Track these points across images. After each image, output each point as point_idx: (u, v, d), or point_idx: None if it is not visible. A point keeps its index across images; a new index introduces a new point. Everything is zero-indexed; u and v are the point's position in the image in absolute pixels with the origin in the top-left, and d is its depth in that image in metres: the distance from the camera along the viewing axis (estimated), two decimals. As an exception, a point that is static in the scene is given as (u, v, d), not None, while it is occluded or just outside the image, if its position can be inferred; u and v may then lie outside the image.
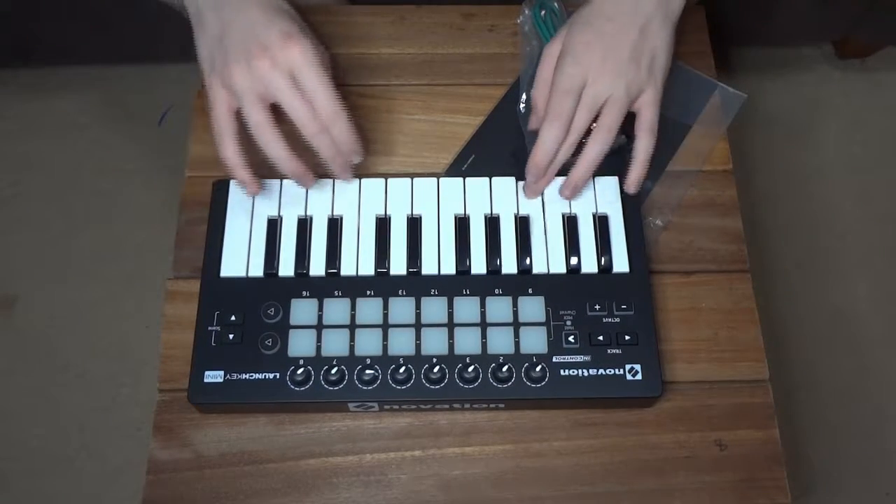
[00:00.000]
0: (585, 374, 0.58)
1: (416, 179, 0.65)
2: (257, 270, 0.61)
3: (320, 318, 0.59)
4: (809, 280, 1.18)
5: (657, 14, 0.62)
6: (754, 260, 0.66)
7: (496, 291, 0.60)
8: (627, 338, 0.59)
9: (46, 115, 1.26)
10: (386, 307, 0.60)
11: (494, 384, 0.58)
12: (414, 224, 0.63)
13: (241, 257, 0.62)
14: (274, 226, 0.63)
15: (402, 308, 0.60)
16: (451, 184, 0.65)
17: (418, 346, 0.58)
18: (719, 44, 0.75)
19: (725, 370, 0.61)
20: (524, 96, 0.69)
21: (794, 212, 1.22)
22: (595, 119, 0.62)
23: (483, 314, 0.60)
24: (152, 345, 0.62)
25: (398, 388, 0.57)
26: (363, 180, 0.65)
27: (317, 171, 0.62)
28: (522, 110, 0.69)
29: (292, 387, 0.57)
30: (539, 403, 0.59)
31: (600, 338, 0.59)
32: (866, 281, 1.18)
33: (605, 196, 0.64)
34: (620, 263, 0.62)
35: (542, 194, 0.64)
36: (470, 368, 0.58)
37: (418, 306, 0.60)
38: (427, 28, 0.74)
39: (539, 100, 0.65)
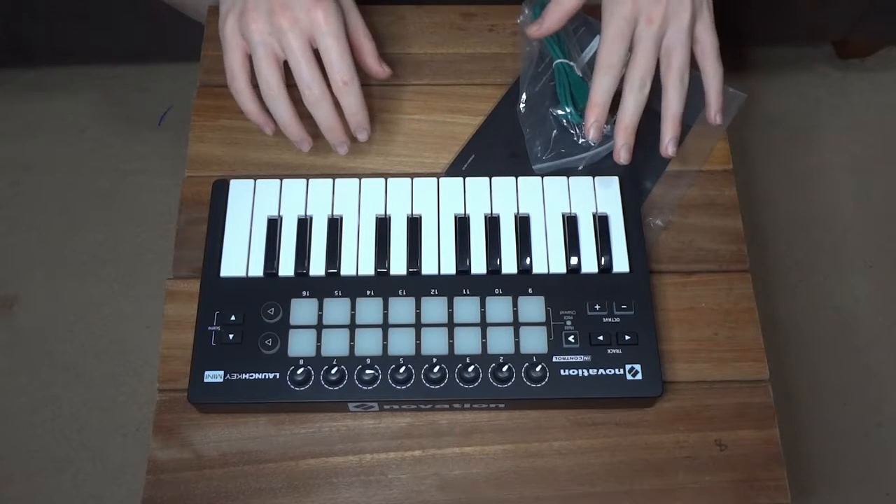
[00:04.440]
0: (585, 374, 0.58)
1: (416, 179, 0.65)
2: (257, 270, 0.61)
3: (320, 318, 0.59)
4: (809, 280, 1.18)
5: None
6: (754, 260, 0.66)
7: (496, 291, 0.60)
8: (627, 338, 0.59)
9: (46, 115, 1.26)
10: (386, 307, 0.60)
11: (494, 384, 0.57)
12: (414, 224, 0.63)
13: (240, 257, 0.62)
14: (274, 226, 0.63)
15: (402, 308, 0.60)
16: (451, 184, 0.65)
17: (418, 346, 0.58)
18: (720, 43, 0.75)
19: (725, 370, 0.61)
20: (524, 96, 0.69)
21: (794, 212, 1.22)
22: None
23: (483, 314, 0.60)
24: (152, 345, 0.62)
25: (398, 388, 0.57)
26: (363, 180, 0.65)
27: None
28: (522, 110, 0.69)
29: (292, 387, 0.57)
30: (539, 403, 0.59)
31: (600, 338, 0.59)
32: (866, 281, 1.18)
33: (605, 196, 0.64)
34: (620, 263, 0.62)
35: (542, 193, 0.64)
36: (470, 368, 0.58)
37: (418, 306, 0.60)
38: (427, 28, 0.74)
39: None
